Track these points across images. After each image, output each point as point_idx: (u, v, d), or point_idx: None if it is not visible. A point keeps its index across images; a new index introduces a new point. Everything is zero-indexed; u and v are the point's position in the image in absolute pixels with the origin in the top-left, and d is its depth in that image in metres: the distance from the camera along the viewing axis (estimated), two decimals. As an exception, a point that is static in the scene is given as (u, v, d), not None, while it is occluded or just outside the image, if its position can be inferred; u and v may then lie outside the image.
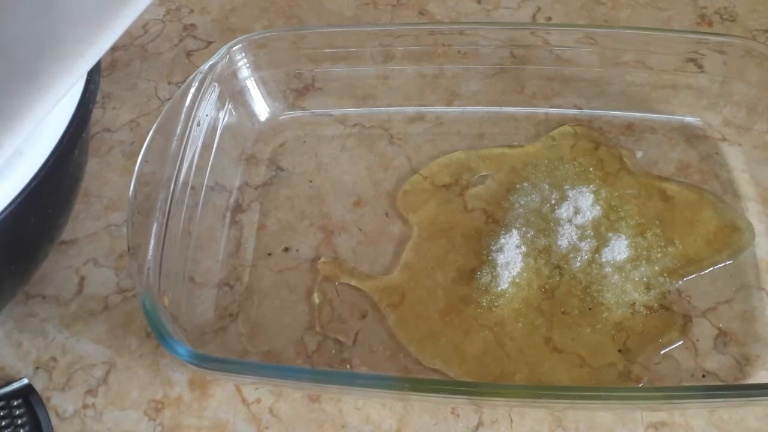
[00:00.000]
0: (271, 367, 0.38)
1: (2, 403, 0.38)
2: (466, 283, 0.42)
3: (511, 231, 0.43)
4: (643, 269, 0.41)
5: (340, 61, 0.50)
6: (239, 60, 0.48)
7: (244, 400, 0.39)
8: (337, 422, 0.38)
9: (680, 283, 0.41)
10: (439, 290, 0.42)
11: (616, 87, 0.50)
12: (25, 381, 0.39)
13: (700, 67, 0.48)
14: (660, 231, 0.43)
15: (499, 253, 0.42)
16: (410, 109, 0.51)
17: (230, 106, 0.48)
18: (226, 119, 0.47)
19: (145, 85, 0.54)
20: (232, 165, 0.48)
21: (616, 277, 0.41)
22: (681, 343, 0.39)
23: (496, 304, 0.41)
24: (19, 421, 0.38)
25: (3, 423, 0.38)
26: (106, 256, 0.45)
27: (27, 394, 0.39)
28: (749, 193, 0.45)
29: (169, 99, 0.52)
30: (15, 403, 0.38)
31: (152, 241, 0.38)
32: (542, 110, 0.50)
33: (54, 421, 0.39)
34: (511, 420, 0.38)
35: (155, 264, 0.37)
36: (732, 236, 0.43)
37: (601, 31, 0.48)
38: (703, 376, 0.38)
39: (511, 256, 0.42)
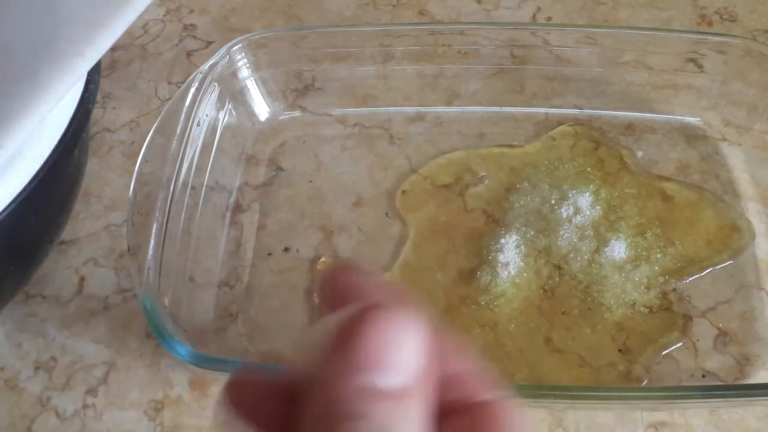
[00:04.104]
0: (271, 367, 0.38)
1: None
2: (466, 283, 0.42)
3: (511, 231, 0.43)
4: (643, 269, 0.41)
5: (340, 61, 0.50)
6: (239, 60, 0.48)
7: (244, 400, 0.39)
8: (337, 422, 0.38)
9: (680, 283, 0.41)
10: (439, 290, 0.42)
11: (616, 87, 0.50)
12: None
13: (700, 67, 0.48)
14: (660, 231, 0.43)
15: (499, 253, 0.42)
16: (410, 109, 0.51)
17: (230, 106, 0.48)
18: (226, 119, 0.47)
19: (145, 85, 0.54)
20: (232, 165, 0.48)
21: (616, 277, 0.41)
22: (681, 343, 0.39)
23: (495, 303, 0.41)
24: None
25: None
26: (106, 256, 0.45)
27: None
28: (749, 193, 0.45)
29: (169, 99, 0.52)
30: None
31: (152, 241, 0.38)
32: (542, 110, 0.50)
33: (54, 421, 0.39)
34: (511, 420, 0.38)
35: (155, 264, 0.37)
36: (732, 236, 0.43)
37: (601, 31, 0.48)
38: (703, 376, 0.38)
39: (511, 256, 0.42)
